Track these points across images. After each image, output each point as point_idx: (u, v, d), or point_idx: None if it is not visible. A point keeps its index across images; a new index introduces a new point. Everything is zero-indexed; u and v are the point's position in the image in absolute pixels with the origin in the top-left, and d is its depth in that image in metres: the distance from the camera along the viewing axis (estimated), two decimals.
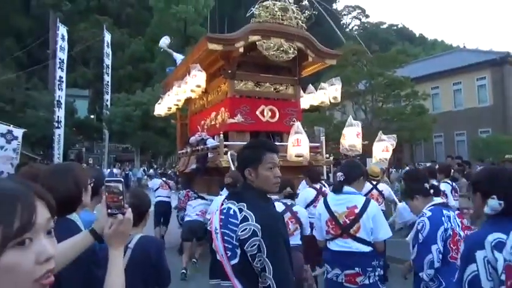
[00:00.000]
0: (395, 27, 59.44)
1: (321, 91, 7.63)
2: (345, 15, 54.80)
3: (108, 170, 23.93)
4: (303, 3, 6.74)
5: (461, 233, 2.58)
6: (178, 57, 9.51)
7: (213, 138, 6.87)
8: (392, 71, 17.94)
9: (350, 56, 18.18)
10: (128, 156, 30.21)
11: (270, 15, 6.21)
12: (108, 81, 26.43)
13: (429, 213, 2.60)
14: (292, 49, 6.30)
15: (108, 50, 26.40)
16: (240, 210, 1.80)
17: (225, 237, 1.81)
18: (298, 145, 5.85)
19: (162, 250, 2.29)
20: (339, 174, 3.15)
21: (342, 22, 53.85)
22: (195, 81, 6.40)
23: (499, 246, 1.58)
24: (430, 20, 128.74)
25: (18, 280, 0.70)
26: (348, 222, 2.92)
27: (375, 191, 5.49)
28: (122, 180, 1.38)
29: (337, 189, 3.11)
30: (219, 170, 6.21)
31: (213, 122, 7.45)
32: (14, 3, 34.72)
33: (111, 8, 34.01)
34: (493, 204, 1.70)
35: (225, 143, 6.37)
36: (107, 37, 26.35)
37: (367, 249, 2.90)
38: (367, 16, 56.94)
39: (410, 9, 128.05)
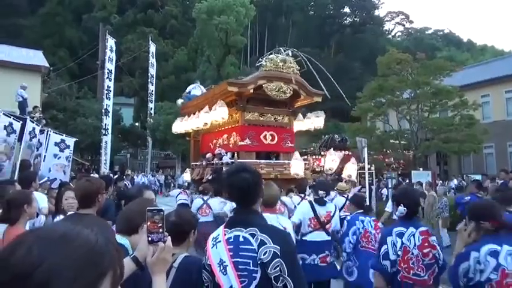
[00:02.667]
0: (441, 32, 57.27)
1: (307, 120, 9.28)
2: (387, 21, 53.44)
3: (151, 176, 24.58)
4: (298, 59, 8.33)
5: (373, 231, 4.30)
6: (190, 86, 11.54)
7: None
8: (439, 79, 17.24)
9: (394, 65, 17.66)
10: (169, 163, 31.01)
11: (274, 65, 7.98)
12: (152, 90, 27.35)
13: (348, 218, 4.60)
14: (289, 90, 8.06)
15: (153, 61, 27.38)
16: (253, 235, 1.86)
17: (239, 266, 1.82)
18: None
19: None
20: (321, 192, 4.65)
21: (384, 28, 52.65)
22: (220, 114, 8.20)
23: (400, 235, 3.00)
24: (478, 24, 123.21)
25: None
26: (325, 221, 4.51)
27: (348, 202, 6.59)
28: (163, 209, 1.42)
29: (322, 203, 4.60)
30: None
31: (225, 142, 9.11)
32: (67, 17, 37.01)
33: (156, 20, 35.30)
34: (400, 210, 3.04)
35: (238, 160, 7.96)
36: (152, 48, 27.35)
37: (329, 238, 4.53)
38: (411, 22, 55.06)
39: (456, 13, 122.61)
